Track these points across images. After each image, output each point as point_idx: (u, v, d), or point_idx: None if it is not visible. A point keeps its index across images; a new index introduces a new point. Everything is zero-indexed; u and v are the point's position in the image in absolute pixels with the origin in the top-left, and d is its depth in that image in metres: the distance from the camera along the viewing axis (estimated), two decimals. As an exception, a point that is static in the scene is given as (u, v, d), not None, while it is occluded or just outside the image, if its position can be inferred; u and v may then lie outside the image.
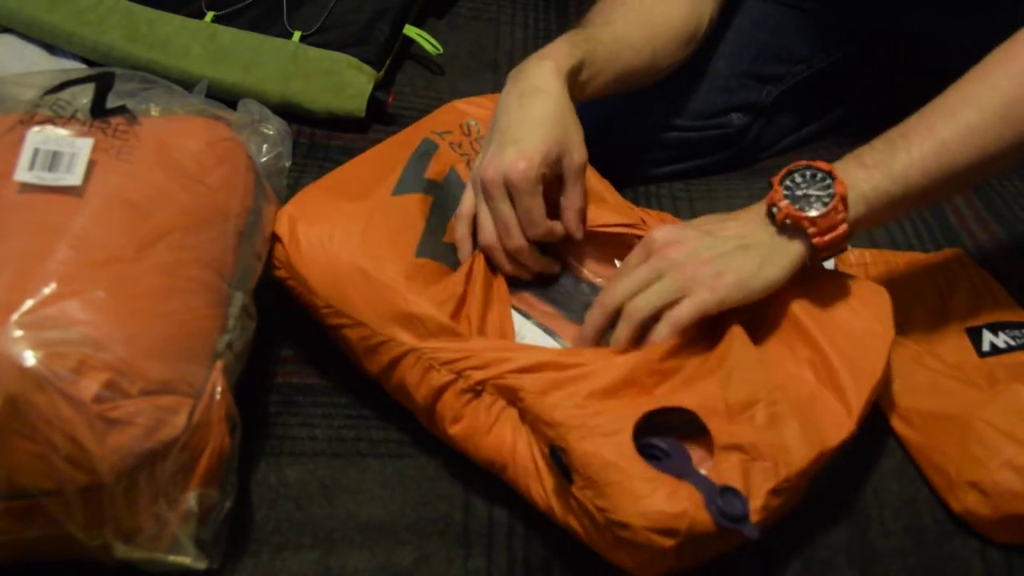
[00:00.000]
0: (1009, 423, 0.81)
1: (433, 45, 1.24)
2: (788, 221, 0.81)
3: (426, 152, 0.93)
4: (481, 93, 1.24)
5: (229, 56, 1.17)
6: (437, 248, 0.87)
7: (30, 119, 0.78)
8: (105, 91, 0.81)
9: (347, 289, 0.81)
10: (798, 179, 0.83)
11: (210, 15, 1.19)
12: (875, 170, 0.82)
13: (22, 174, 0.73)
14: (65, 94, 0.80)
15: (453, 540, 0.79)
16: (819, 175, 0.82)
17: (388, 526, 0.79)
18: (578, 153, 0.88)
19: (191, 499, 0.71)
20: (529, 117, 0.86)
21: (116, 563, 0.70)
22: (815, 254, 0.82)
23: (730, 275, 0.80)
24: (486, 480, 0.81)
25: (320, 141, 1.15)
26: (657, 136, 1.12)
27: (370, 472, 0.82)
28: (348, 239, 0.83)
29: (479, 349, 0.79)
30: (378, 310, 0.80)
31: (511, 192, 0.84)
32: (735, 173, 1.19)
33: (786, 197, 0.82)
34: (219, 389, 0.72)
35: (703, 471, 0.73)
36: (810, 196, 0.82)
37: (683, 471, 0.72)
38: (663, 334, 0.79)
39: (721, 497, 0.70)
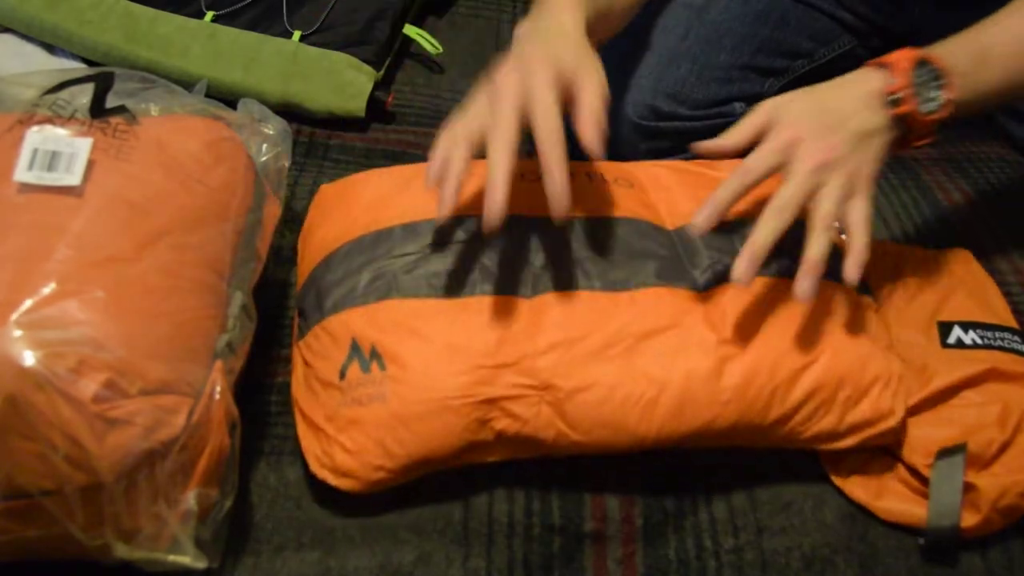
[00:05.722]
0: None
1: (433, 45, 1.24)
2: (906, 119, 0.82)
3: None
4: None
5: (229, 56, 1.17)
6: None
7: (29, 119, 0.78)
8: (104, 91, 0.81)
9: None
10: (918, 72, 0.82)
11: (210, 15, 1.19)
12: (966, 79, 0.83)
13: (21, 174, 0.73)
14: (64, 94, 0.80)
15: (453, 539, 0.79)
16: (935, 73, 0.82)
17: (388, 525, 0.79)
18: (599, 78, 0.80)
19: (191, 499, 0.71)
20: (550, 41, 0.79)
21: (116, 563, 0.70)
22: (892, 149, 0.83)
23: (873, 165, 0.80)
24: (486, 479, 0.81)
25: (319, 140, 1.15)
26: (659, 126, 1.12)
27: (370, 472, 0.82)
28: None
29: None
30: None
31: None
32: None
33: (912, 89, 0.81)
34: (219, 389, 0.72)
35: None
36: (923, 94, 0.81)
37: None
38: (863, 244, 0.77)
39: None
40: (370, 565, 0.77)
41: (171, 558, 0.71)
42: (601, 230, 0.86)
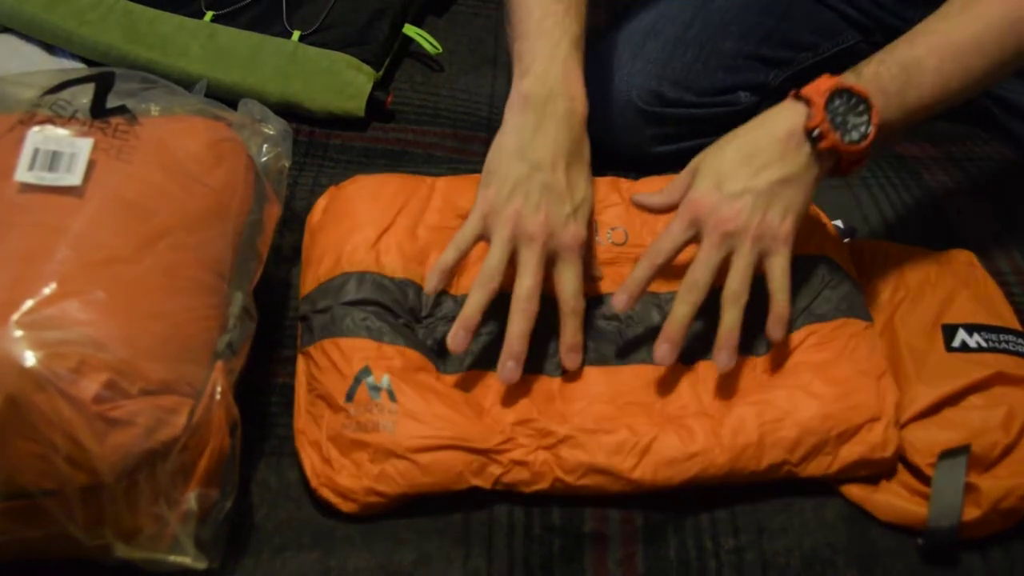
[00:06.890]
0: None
1: (432, 44, 1.24)
2: (830, 150, 0.82)
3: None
4: (480, 89, 1.25)
5: (228, 56, 1.16)
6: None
7: (30, 119, 0.78)
8: (105, 91, 0.81)
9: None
10: (837, 103, 0.82)
11: (209, 14, 1.19)
12: (893, 99, 0.83)
13: (22, 174, 0.73)
14: (65, 94, 0.80)
15: (453, 540, 0.79)
16: (855, 100, 0.82)
17: (388, 526, 0.79)
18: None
19: (191, 499, 0.71)
20: (578, 183, 0.86)
21: (116, 563, 0.70)
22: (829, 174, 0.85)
23: (789, 217, 0.82)
24: (486, 480, 0.81)
25: (319, 140, 1.15)
26: (665, 111, 1.13)
27: (370, 472, 0.82)
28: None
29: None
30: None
31: (561, 255, 0.84)
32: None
33: (831, 123, 0.81)
34: (219, 389, 0.72)
35: None
36: (847, 123, 0.82)
37: None
38: (784, 303, 0.82)
39: None
40: (370, 565, 0.77)
41: (171, 558, 0.71)
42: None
